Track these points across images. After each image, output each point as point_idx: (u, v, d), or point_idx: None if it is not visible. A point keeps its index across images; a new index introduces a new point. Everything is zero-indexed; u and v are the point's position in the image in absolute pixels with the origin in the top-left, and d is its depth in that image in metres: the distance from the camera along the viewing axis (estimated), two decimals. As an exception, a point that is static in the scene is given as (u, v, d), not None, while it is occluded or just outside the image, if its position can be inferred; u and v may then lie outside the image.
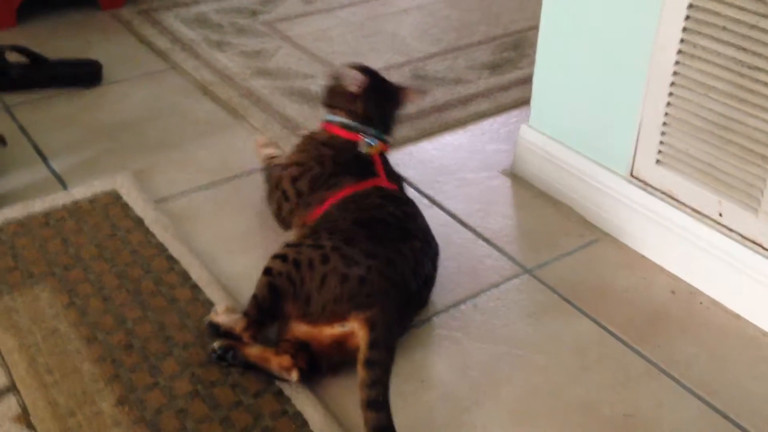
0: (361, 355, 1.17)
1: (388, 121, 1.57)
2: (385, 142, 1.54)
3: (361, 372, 1.15)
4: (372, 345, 1.17)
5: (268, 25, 2.48)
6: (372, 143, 1.50)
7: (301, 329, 1.25)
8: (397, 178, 1.53)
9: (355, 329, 1.21)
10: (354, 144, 1.50)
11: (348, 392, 1.24)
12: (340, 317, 1.23)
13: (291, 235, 1.46)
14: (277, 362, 1.24)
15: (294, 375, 1.23)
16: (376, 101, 1.54)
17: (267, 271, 1.28)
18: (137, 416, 1.17)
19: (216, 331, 1.29)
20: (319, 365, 1.26)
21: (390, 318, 1.23)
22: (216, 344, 1.26)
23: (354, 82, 1.51)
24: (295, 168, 1.50)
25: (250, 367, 1.26)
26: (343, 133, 1.51)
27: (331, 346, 1.25)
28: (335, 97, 1.55)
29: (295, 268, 1.25)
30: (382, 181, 1.46)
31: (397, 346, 1.24)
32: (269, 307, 1.26)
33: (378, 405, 1.12)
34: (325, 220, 1.39)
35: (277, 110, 2.00)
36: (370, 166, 1.48)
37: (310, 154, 1.51)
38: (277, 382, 1.23)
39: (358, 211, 1.38)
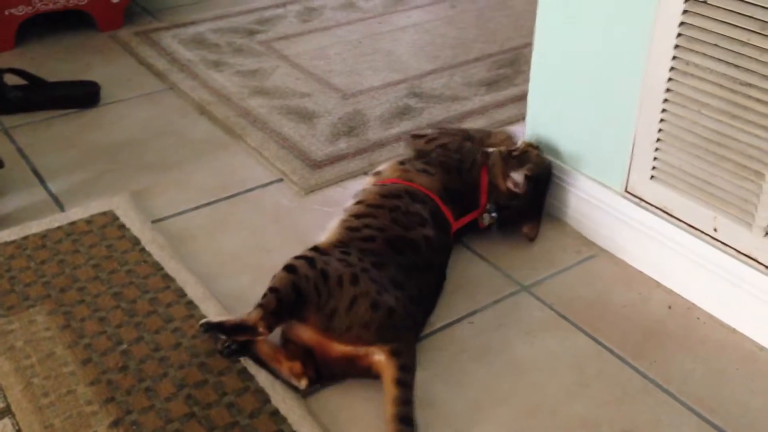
0: (392, 375, 1.21)
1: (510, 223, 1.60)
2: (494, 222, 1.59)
3: (392, 389, 1.20)
4: (402, 368, 1.22)
5: (265, 44, 2.50)
6: (491, 216, 1.57)
7: (311, 336, 1.25)
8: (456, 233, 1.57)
9: (377, 357, 1.23)
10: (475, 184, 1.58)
11: (344, 410, 1.24)
12: (364, 342, 1.24)
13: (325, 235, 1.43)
14: (288, 366, 1.25)
15: (303, 383, 1.25)
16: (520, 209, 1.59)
17: (290, 269, 1.26)
18: (133, 438, 1.17)
19: (214, 333, 1.27)
20: (321, 373, 1.26)
21: (412, 347, 1.28)
22: (230, 340, 1.26)
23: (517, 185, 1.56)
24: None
25: (259, 362, 1.27)
26: (483, 184, 1.58)
27: (337, 360, 1.25)
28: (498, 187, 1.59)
29: (323, 278, 1.25)
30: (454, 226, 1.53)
31: None
32: (291, 304, 1.23)
33: (409, 421, 1.17)
34: (367, 213, 1.43)
35: (274, 129, 2.01)
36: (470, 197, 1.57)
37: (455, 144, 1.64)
38: (273, 401, 1.23)
39: (398, 224, 1.41)
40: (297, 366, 1.25)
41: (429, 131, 1.73)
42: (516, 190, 1.55)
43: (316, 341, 1.25)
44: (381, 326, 1.24)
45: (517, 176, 1.55)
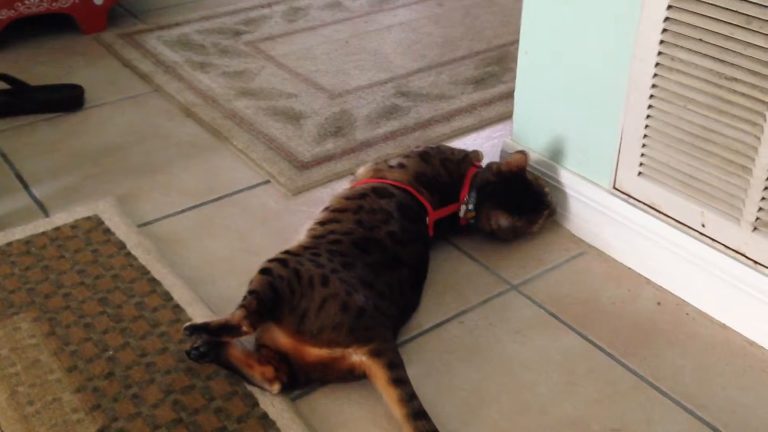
0: (384, 376, 1.20)
1: (485, 200, 1.57)
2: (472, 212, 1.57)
3: (392, 391, 1.19)
4: (391, 366, 1.21)
5: (251, 45, 2.48)
6: (469, 208, 1.56)
7: (286, 341, 1.24)
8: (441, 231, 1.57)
9: (357, 358, 1.22)
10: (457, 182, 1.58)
11: (334, 413, 1.23)
12: (338, 345, 1.23)
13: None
14: (260, 371, 1.24)
15: (275, 387, 1.24)
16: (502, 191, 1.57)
17: (265, 271, 1.26)
18: (120, 445, 1.16)
19: (198, 335, 1.25)
20: (297, 378, 1.25)
21: (391, 343, 1.27)
22: (199, 341, 1.25)
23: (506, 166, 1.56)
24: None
25: (230, 369, 1.26)
26: (467, 179, 1.58)
27: (314, 364, 1.24)
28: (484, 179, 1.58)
29: (296, 277, 1.25)
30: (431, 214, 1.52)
31: None
32: (271, 303, 1.23)
33: (424, 414, 1.17)
34: (332, 218, 1.44)
35: (261, 131, 1.99)
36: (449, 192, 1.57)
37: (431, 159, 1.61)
38: (262, 405, 1.22)
39: (362, 225, 1.41)
40: (269, 370, 1.24)
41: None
42: (505, 167, 1.56)
43: (291, 346, 1.24)
44: (353, 327, 1.23)
45: (517, 156, 1.57)
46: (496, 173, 1.56)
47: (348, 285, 1.27)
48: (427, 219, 1.52)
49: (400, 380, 1.20)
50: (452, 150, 1.65)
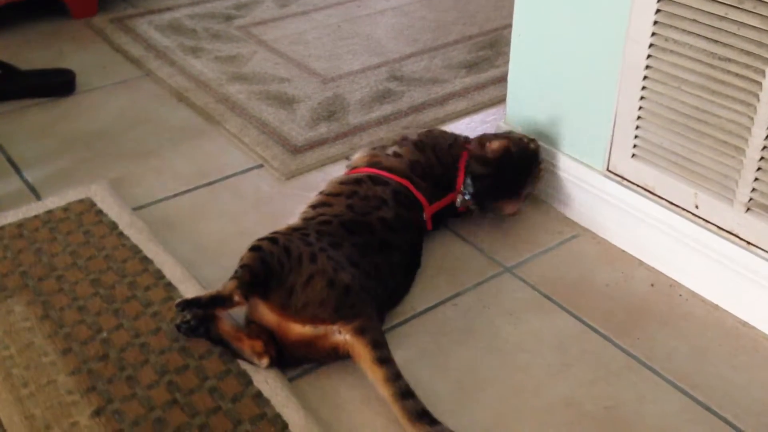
0: (369, 355, 1.20)
1: (486, 196, 1.56)
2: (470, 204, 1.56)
3: (377, 370, 1.19)
4: (375, 345, 1.21)
5: (243, 29, 2.47)
6: (465, 198, 1.54)
7: (271, 318, 1.25)
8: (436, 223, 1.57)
9: (342, 337, 1.22)
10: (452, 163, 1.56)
11: (329, 394, 1.24)
12: (322, 321, 1.23)
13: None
14: (250, 345, 1.25)
15: (264, 361, 1.24)
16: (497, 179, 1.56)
17: (255, 248, 1.27)
18: (115, 428, 1.15)
19: (190, 310, 1.26)
20: (284, 356, 1.26)
21: (376, 322, 1.26)
22: (189, 315, 1.25)
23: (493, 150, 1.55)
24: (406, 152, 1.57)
25: (220, 343, 1.27)
26: (461, 165, 1.56)
27: (298, 343, 1.25)
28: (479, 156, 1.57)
29: (285, 253, 1.26)
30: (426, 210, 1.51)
31: None
32: (262, 276, 1.23)
33: (411, 393, 1.16)
34: (323, 202, 1.44)
35: (253, 115, 1.99)
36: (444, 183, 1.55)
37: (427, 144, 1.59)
38: (256, 383, 1.22)
39: (353, 209, 1.41)
40: (258, 344, 1.24)
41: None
42: (491, 155, 1.54)
43: (276, 323, 1.25)
44: (338, 304, 1.23)
45: (496, 143, 1.55)
46: (487, 164, 1.55)
47: (335, 263, 1.27)
48: (424, 214, 1.51)
49: (384, 359, 1.20)
50: (443, 135, 1.64)
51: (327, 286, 1.23)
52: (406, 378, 1.19)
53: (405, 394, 1.16)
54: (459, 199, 1.55)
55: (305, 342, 1.24)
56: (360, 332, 1.22)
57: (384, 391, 1.18)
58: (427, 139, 1.60)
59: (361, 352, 1.21)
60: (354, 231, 1.37)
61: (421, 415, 1.14)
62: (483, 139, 1.59)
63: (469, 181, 1.54)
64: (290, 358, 1.27)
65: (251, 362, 1.25)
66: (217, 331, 1.27)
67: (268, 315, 1.25)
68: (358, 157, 1.60)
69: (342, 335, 1.22)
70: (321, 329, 1.23)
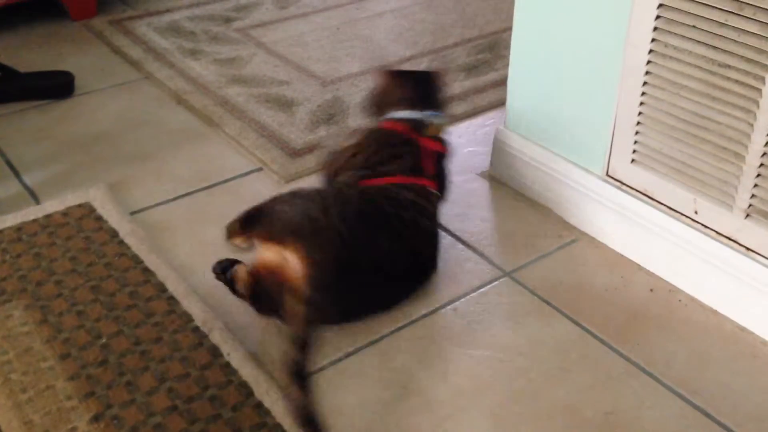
0: (301, 290, 1.20)
1: (437, 100, 1.58)
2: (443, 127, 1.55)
3: (295, 307, 1.18)
4: (310, 283, 1.20)
5: (242, 32, 2.47)
6: (435, 120, 1.53)
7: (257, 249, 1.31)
8: (442, 181, 1.53)
9: (291, 260, 1.24)
10: (408, 138, 1.50)
11: (327, 400, 1.23)
12: (277, 242, 1.26)
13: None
14: (243, 281, 1.34)
15: (243, 285, 1.35)
16: (416, 85, 1.58)
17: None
18: (114, 433, 1.16)
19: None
20: (262, 298, 1.32)
21: (333, 269, 1.24)
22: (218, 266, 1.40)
23: (383, 79, 1.58)
24: (353, 148, 1.52)
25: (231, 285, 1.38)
26: (399, 127, 1.51)
27: (267, 276, 1.28)
28: (380, 100, 1.58)
29: (290, 195, 1.35)
30: (426, 181, 1.46)
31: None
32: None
33: (304, 344, 1.14)
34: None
35: (252, 118, 1.98)
36: (418, 161, 1.48)
37: (366, 140, 1.52)
38: (257, 395, 1.21)
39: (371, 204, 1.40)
40: (247, 281, 1.33)
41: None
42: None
43: (258, 254, 1.30)
44: (301, 230, 1.26)
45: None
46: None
47: (323, 208, 1.30)
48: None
49: (309, 302, 1.19)
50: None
51: (300, 215, 1.28)
52: (405, 381, 1.19)
53: (301, 343, 1.14)
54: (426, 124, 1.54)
55: (271, 272, 1.26)
56: (308, 262, 1.22)
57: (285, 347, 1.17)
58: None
59: (298, 283, 1.21)
60: (367, 198, 1.37)
61: (295, 370, 1.12)
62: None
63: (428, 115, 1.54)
64: (266, 301, 1.32)
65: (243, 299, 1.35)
66: (233, 275, 1.38)
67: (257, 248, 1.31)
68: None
69: (289, 258, 1.24)
70: (278, 251, 1.26)
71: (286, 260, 1.25)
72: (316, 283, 1.21)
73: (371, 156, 1.47)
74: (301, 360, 1.13)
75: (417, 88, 1.58)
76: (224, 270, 1.40)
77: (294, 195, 1.36)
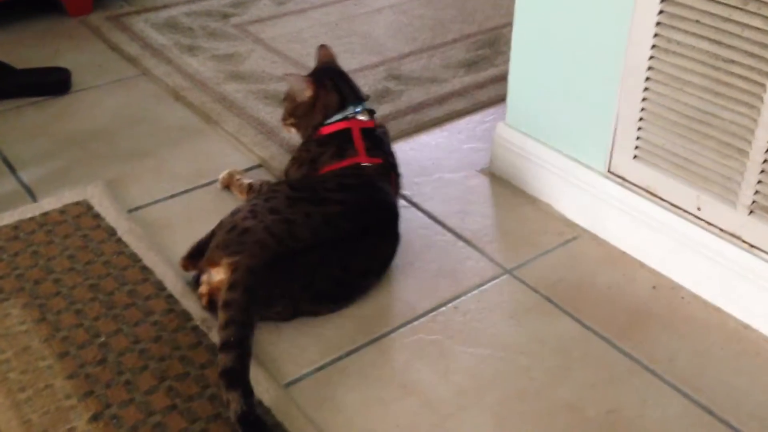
0: (221, 297, 1.22)
1: (354, 90, 1.62)
2: (370, 116, 1.59)
3: (220, 313, 1.20)
4: (230, 287, 1.22)
5: (239, 27, 2.45)
6: (359, 111, 1.57)
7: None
8: (384, 153, 1.55)
9: (222, 274, 1.26)
10: (340, 133, 1.54)
11: (327, 399, 1.23)
12: (214, 264, 1.28)
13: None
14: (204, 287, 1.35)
15: (203, 300, 1.34)
16: (336, 85, 1.61)
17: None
18: (113, 433, 1.15)
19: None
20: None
21: (257, 264, 1.25)
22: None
23: (302, 88, 1.59)
24: (290, 162, 1.60)
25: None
26: (328, 129, 1.56)
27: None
28: (298, 113, 1.62)
29: (230, 215, 1.37)
30: (360, 158, 1.49)
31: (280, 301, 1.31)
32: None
33: (229, 345, 1.15)
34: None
35: (251, 114, 1.97)
36: (349, 144, 1.51)
37: (301, 149, 1.60)
38: (257, 393, 1.20)
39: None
40: (204, 287, 1.34)
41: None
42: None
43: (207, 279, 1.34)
44: (228, 244, 1.28)
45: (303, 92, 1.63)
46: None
47: (251, 213, 1.33)
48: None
49: (226, 303, 1.20)
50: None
51: (226, 232, 1.30)
52: (406, 380, 1.18)
53: (224, 345, 1.16)
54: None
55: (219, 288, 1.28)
56: (231, 269, 1.24)
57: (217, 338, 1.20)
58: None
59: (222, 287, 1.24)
60: (295, 188, 1.42)
61: (223, 373, 1.13)
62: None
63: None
64: None
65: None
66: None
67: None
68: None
69: (218, 274, 1.27)
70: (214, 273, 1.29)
71: (220, 273, 1.28)
72: (239, 284, 1.23)
73: (304, 156, 1.56)
74: (233, 366, 1.13)
75: (337, 91, 1.60)
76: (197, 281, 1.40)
77: (232, 213, 1.38)
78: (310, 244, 1.30)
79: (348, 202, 1.38)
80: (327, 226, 1.33)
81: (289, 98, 1.65)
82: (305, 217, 1.33)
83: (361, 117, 1.56)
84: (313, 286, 1.32)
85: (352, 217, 1.36)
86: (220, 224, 1.38)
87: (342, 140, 1.52)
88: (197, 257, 1.37)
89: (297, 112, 1.62)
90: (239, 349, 1.15)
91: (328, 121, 1.57)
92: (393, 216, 1.45)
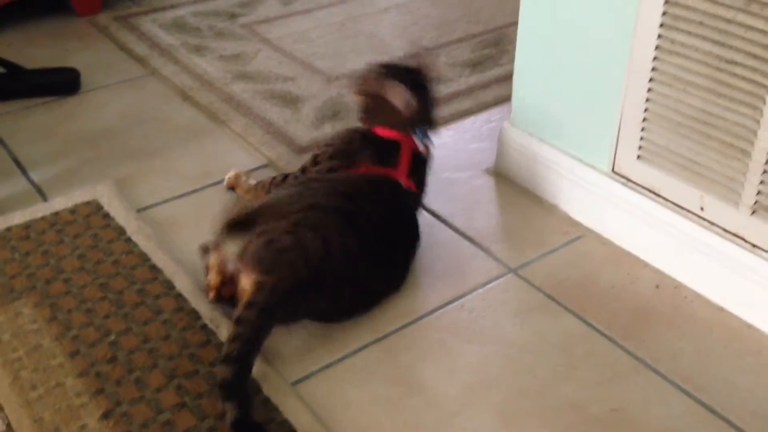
0: (237, 311, 1.23)
1: (429, 114, 1.57)
2: (425, 143, 1.55)
3: (232, 327, 1.21)
4: (248, 305, 1.22)
5: (246, 27, 2.47)
6: (419, 133, 1.54)
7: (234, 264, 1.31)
8: (421, 183, 1.55)
9: (246, 287, 1.26)
10: (392, 141, 1.51)
11: (335, 396, 1.24)
12: (243, 267, 1.28)
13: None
14: (212, 276, 1.34)
15: (210, 294, 1.35)
16: (422, 108, 1.54)
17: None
18: (123, 430, 1.16)
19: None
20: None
21: (283, 288, 1.24)
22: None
23: (401, 100, 1.50)
24: (321, 151, 1.55)
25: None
26: (385, 133, 1.52)
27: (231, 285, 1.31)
28: (379, 112, 1.54)
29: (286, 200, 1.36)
30: (400, 175, 1.48)
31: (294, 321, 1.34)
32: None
33: (231, 359, 1.16)
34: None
35: (258, 114, 1.99)
36: (393, 155, 1.49)
37: (341, 138, 1.56)
38: (265, 391, 1.22)
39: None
40: (217, 279, 1.33)
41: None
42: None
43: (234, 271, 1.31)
44: (263, 258, 1.26)
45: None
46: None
47: (297, 226, 1.29)
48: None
49: (240, 319, 1.20)
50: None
51: (266, 244, 1.27)
52: (411, 378, 1.19)
53: (225, 358, 1.16)
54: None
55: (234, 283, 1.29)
56: (256, 287, 1.24)
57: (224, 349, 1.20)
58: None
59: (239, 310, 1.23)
60: (344, 195, 1.38)
61: (221, 386, 1.14)
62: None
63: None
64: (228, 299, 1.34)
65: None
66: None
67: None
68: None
69: (244, 282, 1.26)
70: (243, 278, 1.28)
71: (246, 284, 1.27)
72: (257, 305, 1.22)
73: (340, 148, 1.52)
74: (231, 379, 1.15)
75: (414, 107, 1.51)
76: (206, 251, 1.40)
77: (288, 202, 1.35)
78: (343, 267, 1.31)
79: (383, 226, 1.39)
80: (362, 250, 1.33)
81: (375, 97, 1.55)
82: (341, 236, 1.31)
83: (416, 140, 1.53)
84: (338, 303, 1.34)
85: (386, 241, 1.39)
86: (269, 206, 1.35)
87: (389, 148, 1.50)
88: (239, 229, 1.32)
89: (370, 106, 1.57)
90: (240, 364, 1.17)
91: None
92: (418, 241, 1.49)
